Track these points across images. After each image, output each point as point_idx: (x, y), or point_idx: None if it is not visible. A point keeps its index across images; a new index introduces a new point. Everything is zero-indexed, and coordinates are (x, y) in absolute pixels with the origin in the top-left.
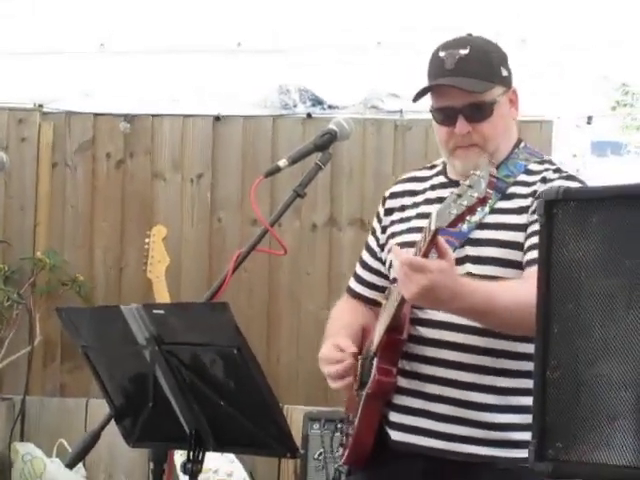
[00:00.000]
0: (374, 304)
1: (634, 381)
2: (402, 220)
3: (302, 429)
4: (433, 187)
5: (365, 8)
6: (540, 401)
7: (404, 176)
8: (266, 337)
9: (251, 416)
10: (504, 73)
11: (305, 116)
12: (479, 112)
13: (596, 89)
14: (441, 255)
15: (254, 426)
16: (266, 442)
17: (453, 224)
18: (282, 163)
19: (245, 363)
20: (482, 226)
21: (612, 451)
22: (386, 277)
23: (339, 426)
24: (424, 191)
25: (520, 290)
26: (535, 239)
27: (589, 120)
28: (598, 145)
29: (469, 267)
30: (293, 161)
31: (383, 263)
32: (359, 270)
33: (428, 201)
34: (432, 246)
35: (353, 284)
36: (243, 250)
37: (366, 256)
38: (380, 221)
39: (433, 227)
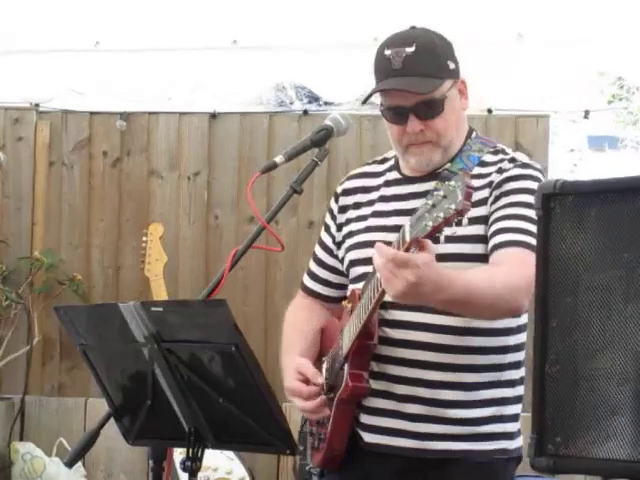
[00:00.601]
0: (329, 300)
1: (633, 374)
2: (358, 218)
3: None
4: (388, 183)
5: (361, 4)
6: (539, 396)
7: (354, 172)
8: (264, 334)
9: (250, 413)
10: (451, 66)
11: (301, 113)
12: (430, 109)
13: (592, 84)
14: (422, 249)
15: (253, 423)
16: (265, 439)
17: (429, 235)
18: (278, 159)
19: (243, 360)
20: None
21: (611, 445)
22: (342, 274)
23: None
24: (378, 188)
25: (497, 275)
26: (500, 224)
27: (586, 115)
28: (595, 139)
29: None
30: (289, 157)
31: (340, 261)
32: (313, 267)
33: (383, 198)
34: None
35: (307, 281)
36: (240, 247)
37: (321, 253)
38: (334, 218)
39: (408, 238)
